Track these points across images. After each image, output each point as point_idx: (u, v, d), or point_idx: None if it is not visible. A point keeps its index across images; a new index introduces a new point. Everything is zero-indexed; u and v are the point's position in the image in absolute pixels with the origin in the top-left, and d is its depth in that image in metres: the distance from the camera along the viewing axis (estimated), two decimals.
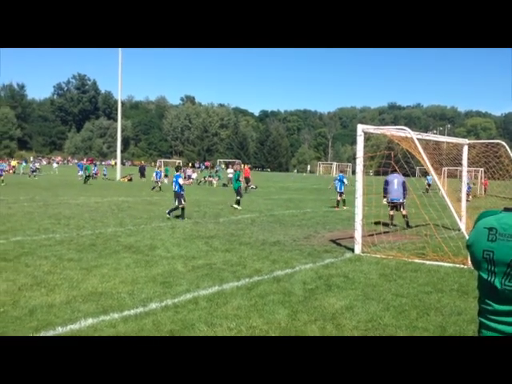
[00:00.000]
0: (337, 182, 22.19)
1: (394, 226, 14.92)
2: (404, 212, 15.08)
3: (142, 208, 19.20)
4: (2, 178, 33.49)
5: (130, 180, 43.28)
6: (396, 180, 14.93)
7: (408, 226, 14.86)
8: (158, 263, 8.99)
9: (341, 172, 25.01)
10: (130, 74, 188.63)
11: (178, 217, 15.88)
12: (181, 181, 16.14)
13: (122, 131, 63.07)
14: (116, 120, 69.37)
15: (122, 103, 63.37)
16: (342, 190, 21.74)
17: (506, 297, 2.23)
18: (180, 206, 15.90)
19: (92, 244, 10.77)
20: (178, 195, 15.98)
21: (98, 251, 9.99)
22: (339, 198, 21.82)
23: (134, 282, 7.61)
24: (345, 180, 22.12)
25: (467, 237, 2.49)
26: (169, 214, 15.93)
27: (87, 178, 37.88)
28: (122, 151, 60.15)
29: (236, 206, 19.70)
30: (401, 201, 14.96)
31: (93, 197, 24.10)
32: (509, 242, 2.23)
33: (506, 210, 2.37)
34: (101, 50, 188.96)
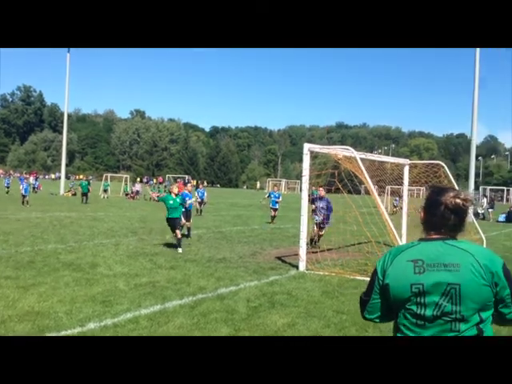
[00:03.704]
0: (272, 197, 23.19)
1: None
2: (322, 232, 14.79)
3: (85, 224, 18.70)
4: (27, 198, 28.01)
5: (74, 195, 42.12)
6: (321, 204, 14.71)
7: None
8: (99, 281, 8.77)
9: (274, 189, 25.46)
10: (77, 87, 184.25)
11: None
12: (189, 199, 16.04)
13: (68, 144, 61.57)
14: (61, 133, 67.71)
15: (69, 116, 61.96)
16: (276, 206, 22.89)
17: (435, 325, 2.20)
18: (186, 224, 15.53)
19: (31, 261, 10.41)
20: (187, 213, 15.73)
21: (36, 269, 9.66)
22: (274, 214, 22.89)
23: (72, 301, 7.40)
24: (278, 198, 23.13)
25: None
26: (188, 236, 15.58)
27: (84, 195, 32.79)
28: (66, 165, 58.65)
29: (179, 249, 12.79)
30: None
31: (34, 212, 23.30)
32: (439, 271, 2.17)
33: (422, 240, 2.33)
34: (48, 61, 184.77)
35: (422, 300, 2.19)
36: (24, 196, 27.75)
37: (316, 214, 14.68)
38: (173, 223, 13.18)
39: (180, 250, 12.58)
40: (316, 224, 14.75)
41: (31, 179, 45.41)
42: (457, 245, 2.23)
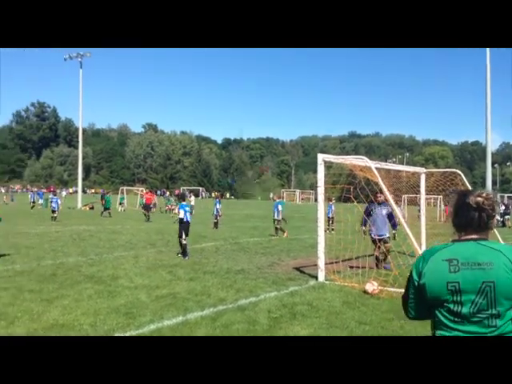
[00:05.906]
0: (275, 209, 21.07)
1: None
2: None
3: (105, 237, 18.88)
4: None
5: (92, 208, 42.45)
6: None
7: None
8: (121, 293, 8.86)
9: (278, 198, 22.91)
10: (91, 102, 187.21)
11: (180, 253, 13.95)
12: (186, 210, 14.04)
13: (83, 159, 62.16)
14: (77, 147, 68.32)
15: (83, 131, 62.62)
16: (278, 217, 20.94)
17: (472, 321, 2.28)
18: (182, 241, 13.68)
19: (53, 274, 10.55)
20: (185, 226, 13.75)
21: (59, 282, 9.78)
22: (278, 226, 21.08)
23: (96, 313, 7.48)
24: (279, 207, 20.89)
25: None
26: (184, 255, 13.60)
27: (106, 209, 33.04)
28: (83, 179, 59.28)
29: None
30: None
31: (53, 226, 23.56)
32: (473, 270, 2.28)
33: (455, 241, 2.44)
34: (62, 78, 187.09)
35: (458, 298, 2.30)
36: (54, 211, 27.49)
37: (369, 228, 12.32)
38: None
39: None
40: (374, 241, 12.37)
41: (63, 194, 46.13)
42: (488, 245, 2.36)
